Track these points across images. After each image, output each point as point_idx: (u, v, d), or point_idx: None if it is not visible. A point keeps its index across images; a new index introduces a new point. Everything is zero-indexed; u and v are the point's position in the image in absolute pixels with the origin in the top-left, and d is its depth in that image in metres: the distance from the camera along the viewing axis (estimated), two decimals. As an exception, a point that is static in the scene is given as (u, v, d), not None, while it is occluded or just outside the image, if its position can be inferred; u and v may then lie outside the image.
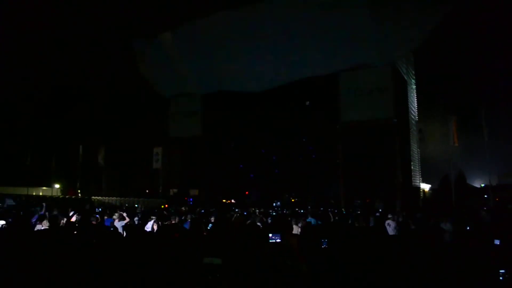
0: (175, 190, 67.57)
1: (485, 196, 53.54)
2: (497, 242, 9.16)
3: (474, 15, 60.90)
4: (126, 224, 18.14)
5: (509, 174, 60.80)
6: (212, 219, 19.15)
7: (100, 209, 28.61)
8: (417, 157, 70.40)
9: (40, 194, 55.88)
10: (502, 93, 64.98)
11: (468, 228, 16.85)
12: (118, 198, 57.30)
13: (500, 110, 64.20)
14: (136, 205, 43.60)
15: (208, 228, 17.56)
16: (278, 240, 10.66)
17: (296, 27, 54.36)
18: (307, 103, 70.71)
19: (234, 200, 63.97)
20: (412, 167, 67.52)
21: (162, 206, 47.87)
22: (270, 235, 10.72)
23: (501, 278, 7.55)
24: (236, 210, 36.78)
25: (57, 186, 64.73)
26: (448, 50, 67.15)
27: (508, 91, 64.16)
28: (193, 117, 67.74)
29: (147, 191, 67.41)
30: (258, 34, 56.36)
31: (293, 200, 63.25)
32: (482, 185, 62.00)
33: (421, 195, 67.31)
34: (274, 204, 59.87)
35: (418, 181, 70.16)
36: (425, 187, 71.05)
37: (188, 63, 62.90)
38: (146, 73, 65.07)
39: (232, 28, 57.60)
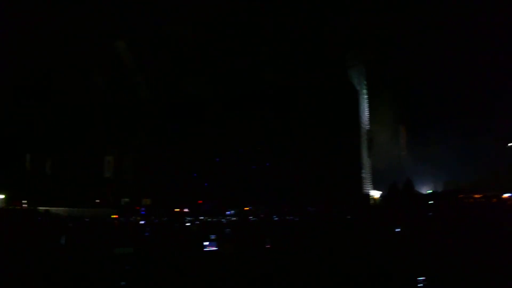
0: (126, 199, 66.10)
1: (430, 202, 55.65)
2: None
3: (425, 27, 63.62)
4: None
5: (453, 182, 63.57)
6: None
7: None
8: (368, 165, 72.29)
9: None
10: (450, 104, 68.04)
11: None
12: (67, 208, 55.39)
13: (447, 121, 67.16)
14: None
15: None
16: (214, 249, 10.73)
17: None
18: (263, 112, 71.24)
19: (188, 209, 63.12)
20: (363, 175, 69.31)
21: (112, 216, 46.74)
22: (206, 243, 10.78)
23: (420, 285, 7.78)
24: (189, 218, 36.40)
25: (1, 196, 61.72)
26: (399, 62, 69.64)
27: (455, 103, 67.32)
28: (146, 125, 66.91)
29: (97, 200, 65.36)
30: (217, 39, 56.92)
31: (246, 209, 63.16)
32: (429, 191, 64.41)
33: (372, 201, 69.02)
34: (227, 212, 59.58)
35: (368, 188, 72.01)
36: (376, 194, 72.82)
37: (143, 70, 62.29)
38: (99, 80, 63.83)
39: (190, 35, 57.78)
